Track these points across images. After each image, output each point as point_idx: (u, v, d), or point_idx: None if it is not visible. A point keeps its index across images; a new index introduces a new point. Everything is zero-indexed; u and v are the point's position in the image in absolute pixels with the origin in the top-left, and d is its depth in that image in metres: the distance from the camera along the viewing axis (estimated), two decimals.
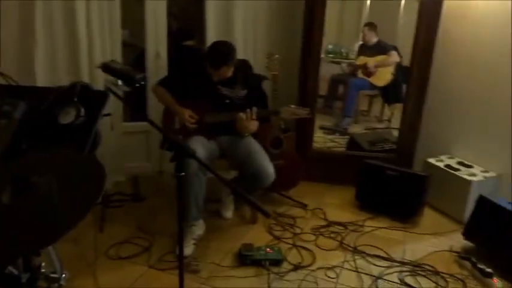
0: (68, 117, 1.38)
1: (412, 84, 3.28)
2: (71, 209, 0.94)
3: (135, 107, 2.96)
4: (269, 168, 2.58)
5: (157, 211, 2.89)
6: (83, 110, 1.41)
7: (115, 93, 1.60)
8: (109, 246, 2.50)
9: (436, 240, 2.76)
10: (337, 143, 3.86)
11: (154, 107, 3.26)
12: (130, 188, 3.12)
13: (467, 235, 2.68)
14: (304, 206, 3.09)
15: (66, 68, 2.88)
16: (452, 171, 3.00)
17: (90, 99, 1.50)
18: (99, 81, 2.95)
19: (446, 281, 2.34)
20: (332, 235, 2.75)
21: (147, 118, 1.72)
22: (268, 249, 2.47)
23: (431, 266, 2.45)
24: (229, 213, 2.91)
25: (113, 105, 3.03)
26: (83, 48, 2.87)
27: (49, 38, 2.76)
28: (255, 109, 2.60)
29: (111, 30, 3.00)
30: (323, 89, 4.02)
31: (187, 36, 4.46)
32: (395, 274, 2.39)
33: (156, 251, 2.49)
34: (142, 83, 1.71)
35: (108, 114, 1.82)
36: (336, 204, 3.17)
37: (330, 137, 3.94)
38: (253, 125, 2.67)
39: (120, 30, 3.11)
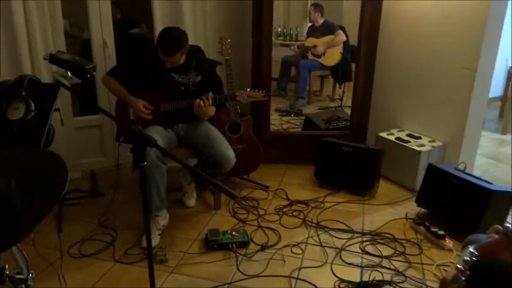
0: (16, 112, 1.30)
1: (360, 63, 3.37)
2: (33, 208, 0.89)
3: (87, 100, 2.84)
4: (229, 152, 2.59)
5: (117, 205, 2.81)
6: (32, 105, 1.34)
7: (65, 86, 1.52)
8: (70, 245, 2.41)
9: (392, 210, 2.90)
10: (293, 124, 3.93)
11: (105, 99, 3.16)
12: (87, 184, 3.01)
13: (419, 202, 2.84)
14: (266, 188, 3.13)
15: (6, 62, 2.70)
16: (403, 143, 3.14)
17: (39, 93, 1.41)
18: (43, 75, 2.80)
19: (404, 246, 2.48)
20: (295, 213, 2.82)
21: (102, 109, 1.64)
22: (234, 232, 2.49)
23: (390, 234, 2.58)
24: (192, 201, 2.89)
25: (62, 100, 2.90)
26: (22, 40, 2.71)
27: None
28: (210, 94, 2.58)
29: (52, 20, 2.85)
30: (275, 71, 4.04)
31: (133, 24, 4.33)
32: (357, 244, 2.49)
33: (120, 245, 2.44)
34: (94, 73, 1.64)
35: (58, 110, 1.73)
36: (296, 184, 3.23)
37: (285, 118, 3.99)
38: (211, 110, 2.65)
39: (62, 21, 2.96)
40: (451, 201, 2.63)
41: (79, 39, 3.72)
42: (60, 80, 1.52)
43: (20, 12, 2.68)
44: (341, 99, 4.11)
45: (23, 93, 1.31)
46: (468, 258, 1.12)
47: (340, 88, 4.17)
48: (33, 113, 1.30)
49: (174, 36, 2.49)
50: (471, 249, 1.14)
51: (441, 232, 2.50)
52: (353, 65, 3.53)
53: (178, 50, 2.49)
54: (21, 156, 1.03)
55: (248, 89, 2.67)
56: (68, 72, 1.56)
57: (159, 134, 2.50)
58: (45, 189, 0.95)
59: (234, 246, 2.40)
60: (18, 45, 2.71)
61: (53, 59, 1.54)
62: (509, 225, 1.26)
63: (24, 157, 1.05)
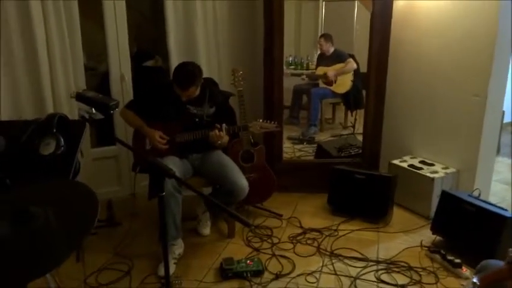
0: (48, 148, 1.44)
1: (370, 90, 3.48)
2: (68, 236, 1.00)
3: (105, 131, 3.00)
4: (242, 181, 2.69)
5: (133, 234, 2.91)
6: (62, 140, 1.47)
7: (90, 121, 1.66)
8: (88, 275, 2.50)
9: (407, 237, 2.94)
10: (305, 152, 4.02)
11: (122, 131, 3.31)
12: (103, 213, 3.12)
13: (435, 229, 2.87)
14: (279, 216, 3.21)
15: (29, 98, 2.88)
16: (416, 170, 3.21)
17: (68, 129, 1.55)
18: (64, 109, 2.97)
19: (420, 275, 2.51)
20: (309, 242, 2.88)
21: (120, 140, 1.77)
22: (248, 261, 2.56)
23: (405, 262, 2.62)
24: (206, 230, 2.98)
25: None
26: (45, 75, 2.88)
27: (9, 67, 2.76)
28: (224, 126, 2.70)
29: (73, 54, 3.02)
30: (287, 100, 4.18)
31: (147, 57, 4.52)
32: (372, 273, 2.53)
33: (137, 274, 2.52)
34: (116, 109, 1.79)
35: None
36: (309, 212, 3.31)
37: (298, 146, 4.10)
38: (225, 139, 2.78)
39: (82, 54, 3.13)
40: (466, 229, 2.66)
41: (96, 71, 3.92)
42: (86, 116, 1.67)
43: (42, 47, 2.84)
44: (353, 126, 4.21)
45: (54, 130, 1.45)
46: None
47: (352, 115, 4.27)
48: (62, 148, 1.43)
49: (189, 70, 2.65)
50: (474, 279, 1.19)
51: (457, 260, 2.53)
52: (364, 92, 3.64)
53: (193, 84, 2.64)
54: (56, 188, 1.15)
55: (261, 120, 2.80)
56: (93, 109, 1.71)
57: (175, 164, 2.63)
58: (78, 218, 1.06)
59: (249, 275, 2.46)
60: (41, 80, 2.87)
61: (79, 97, 1.70)
62: None
63: (58, 189, 1.17)
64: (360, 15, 4.12)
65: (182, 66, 2.69)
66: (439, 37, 3.21)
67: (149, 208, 3.13)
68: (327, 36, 4.18)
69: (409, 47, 3.44)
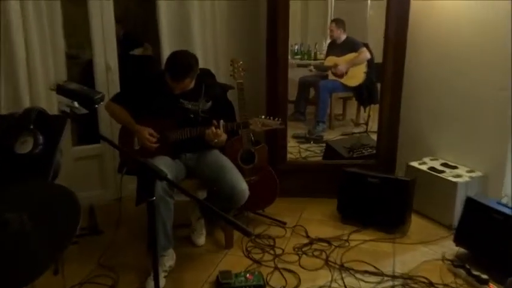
0: (25, 146, 1.43)
1: (385, 82, 3.48)
2: (47, 248, 1.00)
3: (87, 128, 3.00)
4: (242, 184, 2.69)
5: (118, 244, 2.91)
6: (41, 138, 1.47)
7: (72, 117, 1.66)
8: None
9: (426, 249, 2.93)
10: (312, 152, 4.03)
11: (107, 127, 3.30)
12: (86, 220, 3.12)
13: (458, 241, 2.86)
14: (283, 224, 3.21)
15: (2, 90, 2.86)
16: (437, 174, 3.21)
17: (47, 126, 1.55)
18: (43, 103, 2.95)
19: None
20: (316, 253, 2.87)
21: (104, 138, 1.76)
22: (248, 275, 2.55)
23: (424, 277, 2.61)
24: (201, 239, 2.98)
25: None
26: (21, 64, 2.86)
27: None
28: (222, 123, 2.70)
29: (52, 40, 3.01)
30: (292, 93, 4.18)
31: (135, 44, 4.52)
32: None
33: None
34: (101, 103, 1.78)
35: None
36: (317, 219, 3.31)
37: (304, 145, 4.10)
38: (223, 137, 2.77)
39: (63, 40, 3.13)
40: (494, 240, 2.64)
41: (79, 60, 3.92)
42: (67, 111, 1.66)
43: (18, 28, 2.81)
44: (366, 123, 4.22)
45: (31, 126, 1.45)
46: None
47: (365, 111, 4.28)
48: (41, 146, 1.43)
49: (184, 60, 2.64)
50: None
51: (484, 276, 2.51)
52: (379, 85, 3.65)
53: (187, 75, 2.64)
54: (34, 192, 1.15)
55: (263, 117, 2.79)
56: (75, 103, 1.70)
57: (166, 165, 2.62)
58: (58, 226, 1.06)
59: None
60: (16, 70, 2.85)
61: (60, 89, 1.69)
62: None
63: (36, 192, 1.16)
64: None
65: (176, 55, 2.69)
66: (461, 24, 3.20)
67: (137, 214, 3.11)
68: (338, 22, 4.18)
69: (428, 35, 3.44)
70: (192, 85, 2.73)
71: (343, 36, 4.16)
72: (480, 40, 3.10)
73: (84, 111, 1.73)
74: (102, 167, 3.45)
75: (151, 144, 2.74)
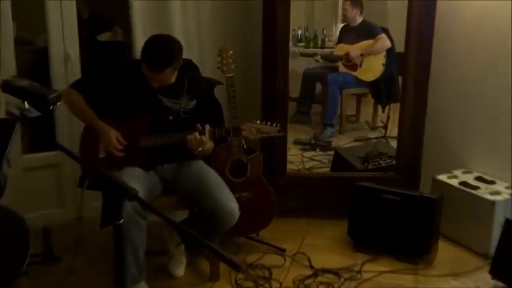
0: None
1: (409, 77, 3.49)
2: None
3: (40, 131, 3.00)
4: (230, 202, 2.69)
5: (78, 274, 2.91)
6: None
7: (23, 121, 1.66)
8: None
9: (457, 283, 2.95)
10: (318, 162, 4.05)
11: (66, 130, 3.31)
12: (38, 245, 3.12)
13: (495, 273, 2.87)
14: (282, 251, 3.22)
15: None
16: (470, 190, 3.22)
17: None
18: None
19: None
20: (321, 287, 2.89)
21: (60, 146, 1.76)
22: None
23: None
24: (180, 270, 2.97)
25: None
26: None
27: None
28: (208, 128, 2.69)
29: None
30: (294, 90, 4.20)
31: (103, 26, 4.53)
32: None
33: None
34: (58, 103, 1.79)
35: None
36: (323, 245, 3.32)
37: (308, 154, 4.12)
38: (209, 145, 2.77)
39: (12, 23, 3.14)
40: None
41: (32, 47, 3.92)
42: (16, 114, 1.67)
43: None
44: (385, 127, 4.24)
45: None
46: None
47: (383, 112, 4.30)
48: None
49: (166, 45, 2.65)
50: None
51: None
52: (401, 80, 3.66)
53: (169, 64, 2.64)
54: None
55: (258, 121, 2.79)
56: (25, 103, 1.71)
57: (138, 179, 2.61)
58: (3, 255, 1.06)
59: None
60: None
61: (7, 86, 1.69)
62: None
63: None
64: None
65: (157, 39, 2.69)
66: (499, 17, 3.21)
67: (101, 238, 3.12)
68: (354, 0, 4.18)
69: (460, 20, 3.45)
70: (173, 79, 2.74)
71: (359, 19, 4.19)
72: None
73: (36, 113, 1.73)
74: (59, 179, 3.46)
75: (117, 153, 2.73)
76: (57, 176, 3.45)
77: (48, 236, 3.11)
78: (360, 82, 4.25)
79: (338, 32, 4.45)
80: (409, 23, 3.42)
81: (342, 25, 4.40)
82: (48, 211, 3.43)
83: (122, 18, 3.79)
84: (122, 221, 1.70)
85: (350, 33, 4.28)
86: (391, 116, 4.15)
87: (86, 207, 2.92)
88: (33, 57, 3.79)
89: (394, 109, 3.99)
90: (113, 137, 2.72)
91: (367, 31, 4.18)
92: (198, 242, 1.61)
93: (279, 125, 2.82)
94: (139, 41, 3.34)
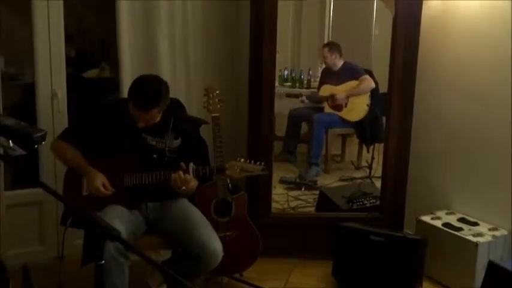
0: None
1: (392, 117, 3.53)
2: None
3: (24, 168, 2.99)
4: (214, 242, 2.68)
5: None
6: None
7: (6, 160, 1.66)
8: None
9: None
10: (304, 202, 4.04)
11: (50, 167, 3.29)
12: (17, 285, 3.06)
13: None
14: None
15: None
16: (454, 232, 3.23)
17: None
18: None
19: None
20: None
21: (43, 185, 1.75)
22: None
23: None
24: None
25: None
26: None
27: None
28: (192, 166, 2.71)
29: None
30: (280, 128, 4.23)
31: (89, 64, 4.54)
32: None
33: None
34: (43, 142, 1.79)
35: None
36: (307, 286, 3.31)
37: (293, 193, 4.12)
38: (193, 184, 2.78)
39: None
40: None
41: (18, 82, 3.91)
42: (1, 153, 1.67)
43: None
44: (370, 167, 4.26)
45: None
46: None
47: (368, 152, 4.33)
48: None
49: (153, 86, 2.69)
50: None
51: None
52: (385, 120, 3.68)
53: (156, 105, 2.68)
54: None
55: (242, 160, 2.82)
56: (10, 142, 1.70)
57: (120, 218, 2.60)
58: None
59: None
60: None
61: None
62: None
63: None
64: (380, 18, 4.22)
65: (144, 79, 2.75)
66: (487, 48, 3.29)
67: (83, 277, 3.08)
68: (332, 46, 4.28)
69: (444, 60, 3.53)
70: (158, 118, 2.77)
71: (340, 63, 4.26)
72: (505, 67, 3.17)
73: (21, 152, 1.73)
74: (41, 216, 3.41)
75: (102, 194, 2.71)
76: (40, 213, 3.41)
77: (28, 276, 3.04)
78: (345, 122, 4.30)
79: (320, 74, 4.51)
80: (392, 65, 3.47)
81: (324, 67, 4.45)
82: (29, 249, 3.38)
83: (110, 54, 3.82)
84: (103, 261, 1.69)
85: (333, 76, 4.33)
86: (375, 156, 4.16)
87: (67, 245, 2.88)
88: (20, 93, 3.79)
89: (379, 149, 4.00)
90: (99, 183, 2.71)
91: (350, 73, 4.25)
92: (181, 283, 1.60)
93: (263, 163, 2.83)
94: (126, 77, 3.39)
